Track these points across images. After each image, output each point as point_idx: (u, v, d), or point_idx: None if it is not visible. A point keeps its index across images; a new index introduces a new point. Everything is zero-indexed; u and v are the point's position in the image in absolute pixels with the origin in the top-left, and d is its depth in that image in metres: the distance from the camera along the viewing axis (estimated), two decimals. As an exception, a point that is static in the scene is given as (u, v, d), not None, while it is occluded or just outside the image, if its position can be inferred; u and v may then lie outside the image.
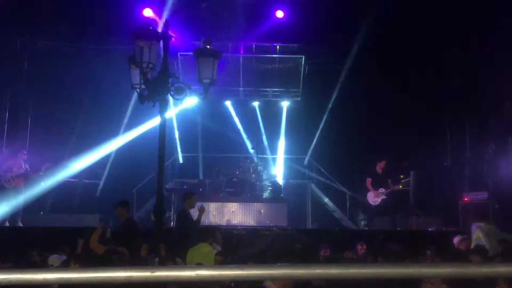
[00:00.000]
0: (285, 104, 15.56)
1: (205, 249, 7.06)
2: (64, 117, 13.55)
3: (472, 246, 7.78)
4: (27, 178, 11.26)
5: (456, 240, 8.26)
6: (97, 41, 14.23)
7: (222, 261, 6.09)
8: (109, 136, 13.91)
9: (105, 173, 13.97)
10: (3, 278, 1.53)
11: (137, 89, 7.30)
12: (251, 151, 14.70)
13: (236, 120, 15.58)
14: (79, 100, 13.71)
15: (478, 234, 8.03)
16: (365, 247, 8.48)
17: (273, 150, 15.11)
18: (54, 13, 13.64)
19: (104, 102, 13.81)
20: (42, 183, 12.06)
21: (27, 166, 11.27)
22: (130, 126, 14.12)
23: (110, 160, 14.13)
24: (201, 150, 14.66)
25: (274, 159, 15.00)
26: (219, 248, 7.81)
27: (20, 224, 10.88)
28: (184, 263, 6.53)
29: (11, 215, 10.88)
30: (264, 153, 15.01)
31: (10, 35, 13.48)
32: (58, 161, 12.56)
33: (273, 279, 1.59)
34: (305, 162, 15.22)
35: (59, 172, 12.53)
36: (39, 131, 13.55)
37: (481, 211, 9.08)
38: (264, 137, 15.29)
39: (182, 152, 15.25)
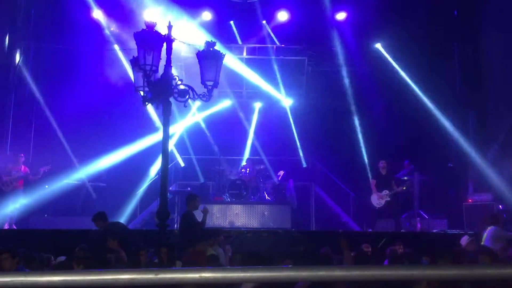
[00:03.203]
0: (287, 105, 15.53)
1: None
2: (69, 121, 13.55)
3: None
4: (27, 181, 11.32)
5: (463, 240, 8.19)
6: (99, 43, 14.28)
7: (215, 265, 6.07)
8: (116, 140, 13.83)
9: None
10: (8, 281, 1.53)
11: (140, 91, 7.31)
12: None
13: (240, 121, 15.57)
14: (85, 104, 13.66)
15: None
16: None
17: (276, 151, 15.05)
18: (57, 15, 13.70)
19: (111, 105, 13.81)
20: (46, 186, 12.09)
21: (27, 169, 11.32)
22: (134, 131, 14.05)
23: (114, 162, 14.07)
24: (204, 153, 14.63)
25: (277, 161, 14.94)
26: (221, 251, 7.80)
27: (14, 227, 10.90)
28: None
29: (8, 218, 10.91)
30: (267, 154, 14.97)
31: (14, 38, 13.51)
32: (62, 164, 12.59)
33: (276, 281, 1.59)
34: (309, 163, 15.17)
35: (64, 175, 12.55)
36: (43, 135, 13.55)
37: (489, 215, 9.04)
38: (267, 138, 15.25)
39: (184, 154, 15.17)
